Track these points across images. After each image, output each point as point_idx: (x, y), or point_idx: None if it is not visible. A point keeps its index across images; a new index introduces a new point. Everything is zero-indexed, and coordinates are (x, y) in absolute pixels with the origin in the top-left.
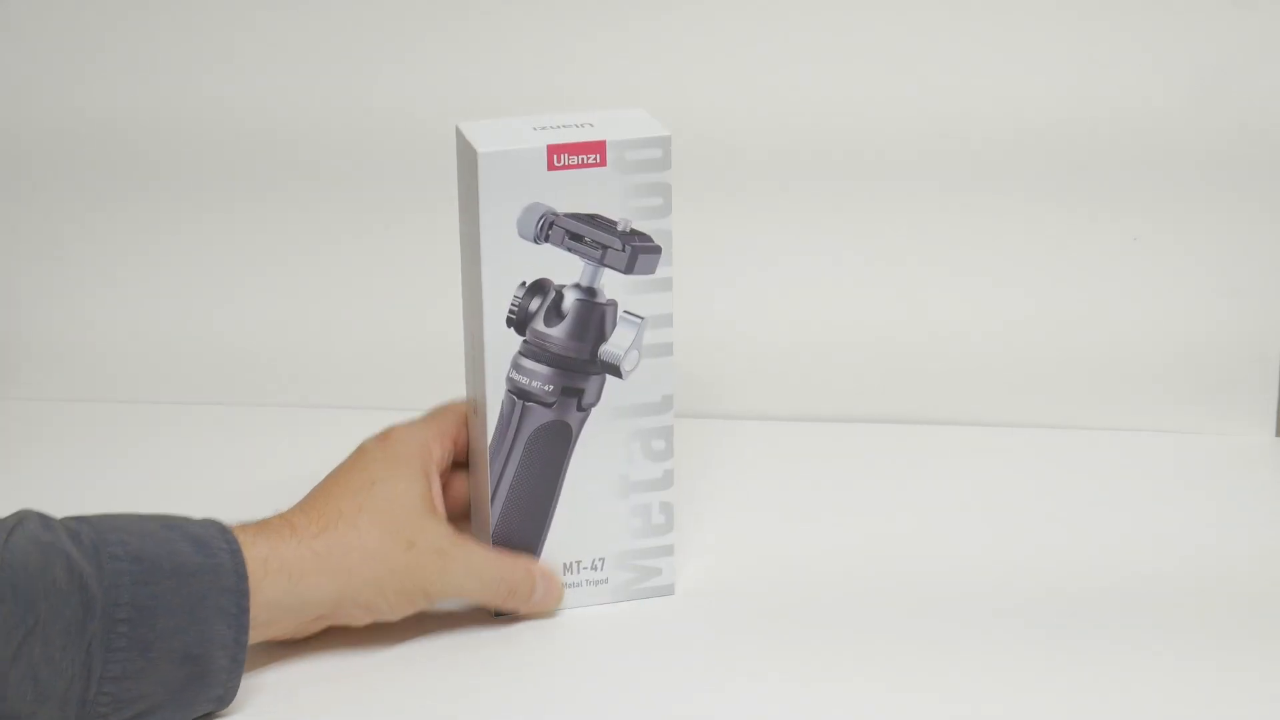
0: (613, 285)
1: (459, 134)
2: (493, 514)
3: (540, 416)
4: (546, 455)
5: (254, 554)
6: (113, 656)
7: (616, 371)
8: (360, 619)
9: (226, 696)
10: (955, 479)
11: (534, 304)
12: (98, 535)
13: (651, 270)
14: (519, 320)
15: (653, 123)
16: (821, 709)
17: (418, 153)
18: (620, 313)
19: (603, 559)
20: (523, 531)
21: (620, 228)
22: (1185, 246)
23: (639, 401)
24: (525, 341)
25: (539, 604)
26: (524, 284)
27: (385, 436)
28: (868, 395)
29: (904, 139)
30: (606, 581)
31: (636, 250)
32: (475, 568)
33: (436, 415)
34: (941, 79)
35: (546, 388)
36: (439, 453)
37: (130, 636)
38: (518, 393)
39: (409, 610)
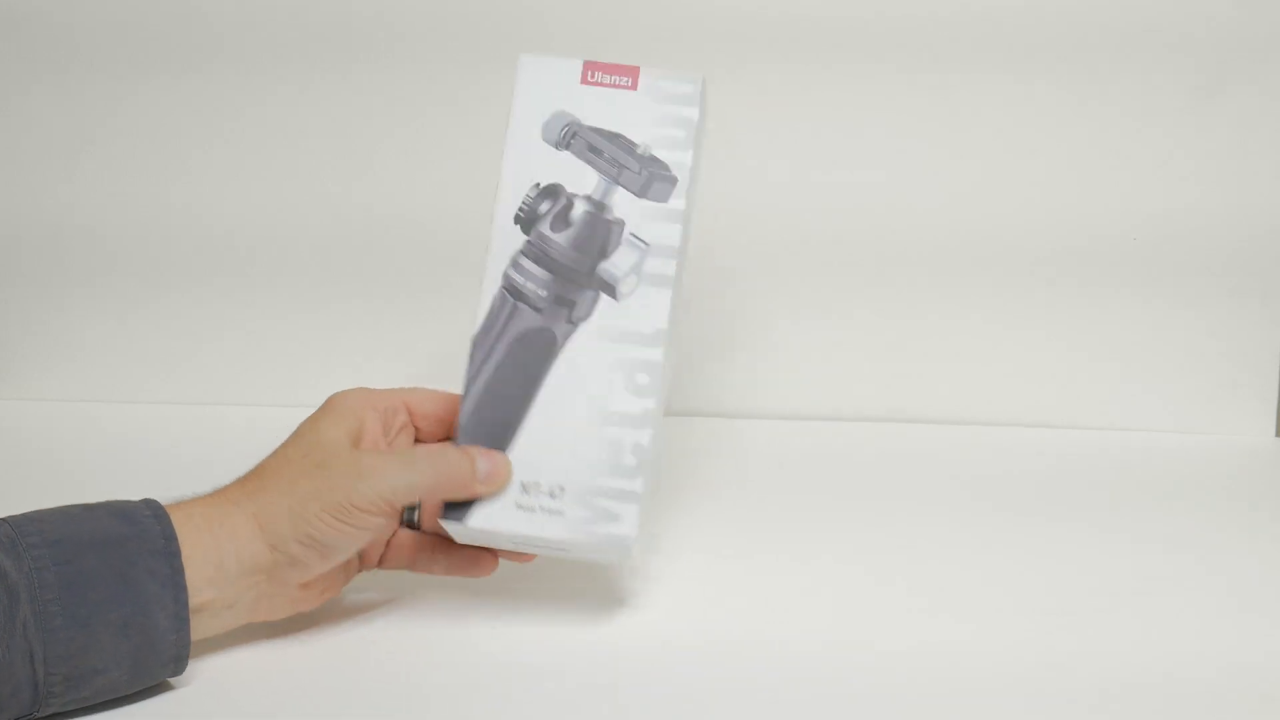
0: (624, 207)
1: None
2: (463, 407)
3: (529, 320)
4: (527, 361)
5: (181, 516)
6: (52, 637)
7: (612, 291)
8: (311, 563)
9: (179, 661)
10: (955, 477)
11: (544, 206)
12: (14, 529)
13: (664, 199)
14: (526, 219)
15: (693, 70)
16: (821, 710)
17: None
18: (626, 234)
19: (563, 487)
20: (489, 432)
21: (640, 151)
22: (1185, 247)
23: (630, 329)
24: (528, 242)
25: (489, 479)
26: (538, 185)
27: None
28: (868, 394)
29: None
30: (562, 514)
31: (652, 175)
32: (400, 463)
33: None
34: None
35: (540, 292)
36: (374, 409)
37: (65, 614)
38: (511, 290)
39: (351, 536)
